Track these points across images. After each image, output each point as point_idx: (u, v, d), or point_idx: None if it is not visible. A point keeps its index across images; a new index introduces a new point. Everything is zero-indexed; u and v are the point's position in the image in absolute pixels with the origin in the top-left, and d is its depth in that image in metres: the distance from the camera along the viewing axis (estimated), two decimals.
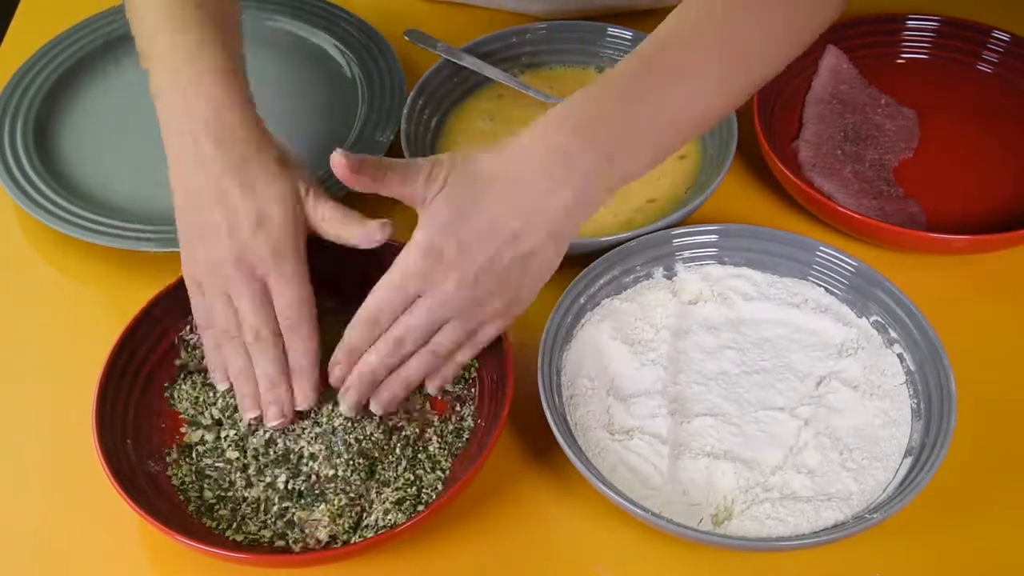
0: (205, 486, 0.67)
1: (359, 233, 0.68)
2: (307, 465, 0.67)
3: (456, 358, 0.68)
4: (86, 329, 0.79)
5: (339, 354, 0.68)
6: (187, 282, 0.70)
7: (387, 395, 0.68)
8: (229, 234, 0.66)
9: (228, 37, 0.73)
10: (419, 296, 0.65)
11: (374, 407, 0.68)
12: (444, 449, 0.69)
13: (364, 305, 0.66)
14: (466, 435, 0.70)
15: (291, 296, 0.67)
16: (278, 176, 0.68)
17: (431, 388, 0.69)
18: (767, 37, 0.68)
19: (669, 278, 0.77)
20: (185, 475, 0.68)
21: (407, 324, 0.65)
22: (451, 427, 0.70)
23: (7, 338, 0.78)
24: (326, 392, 0.69)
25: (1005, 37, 0.93)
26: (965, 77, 0.94)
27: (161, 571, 0.66)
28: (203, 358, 0.72)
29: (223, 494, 0.67)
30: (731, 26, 0.66)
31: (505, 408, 0.66)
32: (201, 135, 0.68)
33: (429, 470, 0.68)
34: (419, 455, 0.69)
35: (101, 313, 0.80)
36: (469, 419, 0.70)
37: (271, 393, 0.67)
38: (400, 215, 0.86)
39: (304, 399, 0.68)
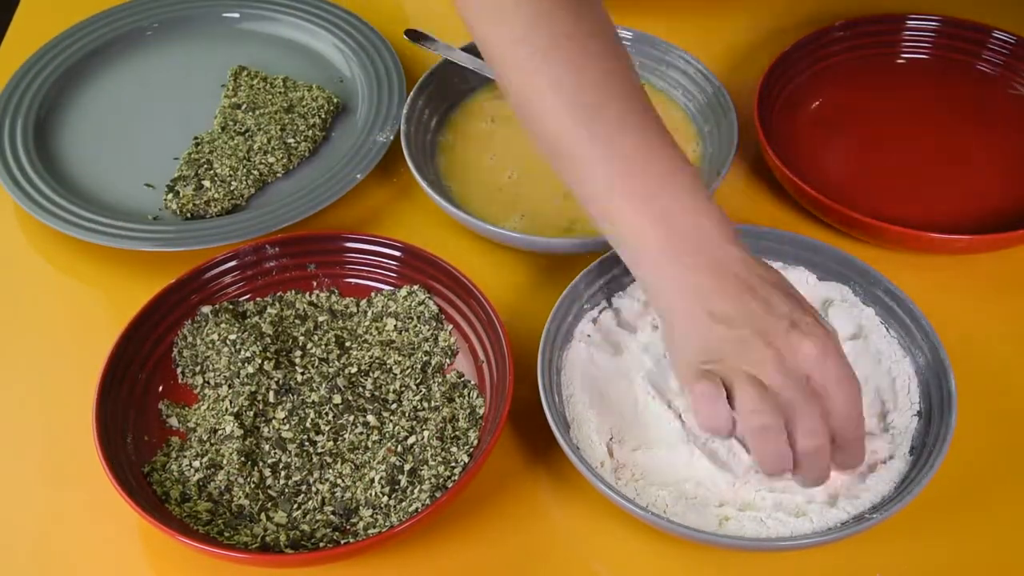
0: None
1: None
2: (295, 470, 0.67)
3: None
4: (86, 329, 0.79)
5: None
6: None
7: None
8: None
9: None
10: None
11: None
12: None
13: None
14: None
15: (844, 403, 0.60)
16: None
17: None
18: None
19: None
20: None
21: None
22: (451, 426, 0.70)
23: (6, 338, 0.78)
24: (331, 408, 0.69)
25: (1005, 37, 0.93)
26: (965, 77, 0.94)
27: (161, 571, 0.66)
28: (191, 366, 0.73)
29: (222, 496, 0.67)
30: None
31: (505, 408, 0.66)
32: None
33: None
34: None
35: (101, 313, 0.80)
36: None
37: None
38: (404, 214, 0.86)
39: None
